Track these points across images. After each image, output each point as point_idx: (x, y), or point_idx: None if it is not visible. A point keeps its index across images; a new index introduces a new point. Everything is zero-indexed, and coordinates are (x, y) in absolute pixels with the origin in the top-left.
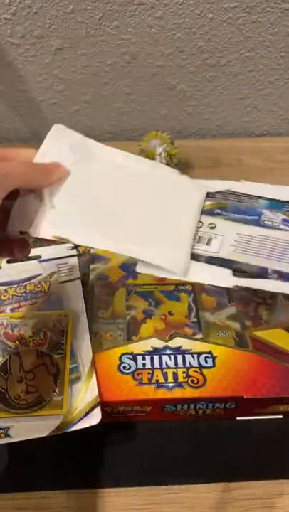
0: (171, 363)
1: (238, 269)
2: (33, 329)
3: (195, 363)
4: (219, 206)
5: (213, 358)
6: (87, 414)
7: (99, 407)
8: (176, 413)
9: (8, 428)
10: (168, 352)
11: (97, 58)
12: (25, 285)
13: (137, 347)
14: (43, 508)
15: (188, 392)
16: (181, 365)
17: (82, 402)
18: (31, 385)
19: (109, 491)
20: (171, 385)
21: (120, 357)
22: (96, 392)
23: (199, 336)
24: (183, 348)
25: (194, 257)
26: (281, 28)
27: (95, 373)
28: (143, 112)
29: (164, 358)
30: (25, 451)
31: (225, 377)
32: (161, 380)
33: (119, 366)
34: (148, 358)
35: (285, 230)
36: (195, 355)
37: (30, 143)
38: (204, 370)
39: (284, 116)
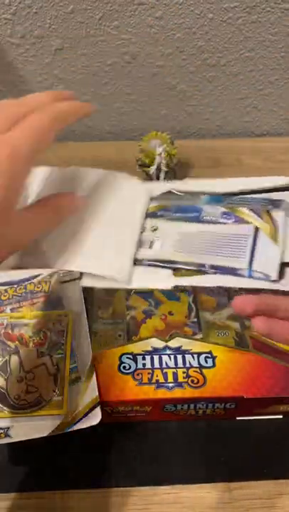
0: (171, 363)
1: (179, 269)
2: (33, 329)
3: (195, 363)
4: (162, 207)
5: (213, 358)
6: (87, 414)
7: (99, 407)
8: (176, 413)
9: (8, 428)
10: (168, 352)
11: (97, 58)
12: (25, 285)
13: (137, 347)
14: (43, 508)
15: (188, 392)
16: (181, 365)
17: (82, 402)
18: (31, 385)
19: (109, 491)
20: (171, 385)
21: (120, 357)
22: (96, 392)
23: (199, 336)
24: (183, 348)
25: (137, 261)
26: (281, 28)
27: (95, 373)
28: (143, 112)
29: (164, 358)
30: (26, 451)
31: (225, 377)
32: (161, 380)
33: (119, 366)
34: (148, 358)
35: (224, 223)
36: (195, 355)
37: None
38: (204, 370)
39: (284, 116)
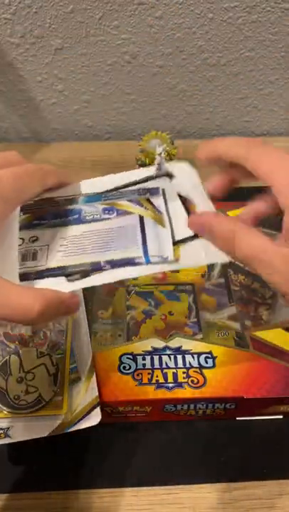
0: (171, 363)
1: (72, 273)
2: (33, 329)
3: (195, 363)
4: (37, 216)
5: (213, 358)
6: (87, 414)
7: (99, 407)
8: (176, 413)
9: (8, 428)
10: (168, 352)
11: (97, 58)
12: None
13: (137, 347)
14: (43, 508)
15: (188, 393)
16: (181, 366)
17: (82, 402)
18: (31, 385)
19: (109, 491)
20: (171, 385)
21: (120, 357)
22: (96, 392)
23: (199, 336)
24: (183, 348)
25: (23, 277)
26: (281, 27)
27: (95, 373)
28: (143, 112)
29: (164, 358)
30: (26, 451)
31: (225, 378)
32: (161, 380)
33: (119, 366)
34: (148, 358)
35: (108, 219)
36: (195, 356)
37: (30, 142)
38: (204, 370)
39: (284, 116)
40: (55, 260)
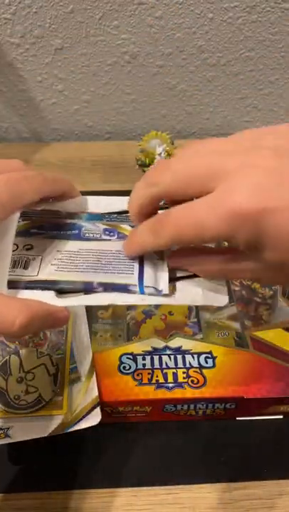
0: (171, 363)
1: (63, 289)
2: None
3: (195, 363)
4: (35, 225)
5: (213, 358)
6: (87, 414)
7: (99, 407)
8: (176, 413)
9: (8, 428)
10: (168, 352)
11: (97, 58)
12: None
13: (137, 347)
14: (43, 508)
15: (188, 393)
16: (181, 366)
17: (82, 402)
18: (31, 385)
19: (109, 491)
20: (171, 385)
21: (120, 357)
22: (96, 392)
23: (199, 336)
24: (183, 348)
25: (12, 284)
26: (281, 27)
27: (95, 373)
28: (143, 112)
29: (164, 358)
30: (26, 451)
31: (225, 378)
32: (161, 380)
33: (119, 366)
34: (148, 358)
35: (108, 240)
36: (195, 356)
37: (30, 142)
38: (204, 371)
39: (284, 116)
40: (47, 273)
